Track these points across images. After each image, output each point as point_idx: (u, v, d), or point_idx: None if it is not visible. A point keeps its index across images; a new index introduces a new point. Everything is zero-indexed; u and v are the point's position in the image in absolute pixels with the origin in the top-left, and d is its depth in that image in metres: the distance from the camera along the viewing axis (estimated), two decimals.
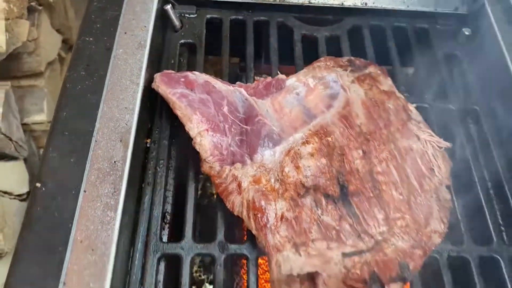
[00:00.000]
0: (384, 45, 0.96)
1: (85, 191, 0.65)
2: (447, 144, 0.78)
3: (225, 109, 0.76)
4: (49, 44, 1.50)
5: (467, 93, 0.91)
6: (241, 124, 0.76)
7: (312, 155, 0.72)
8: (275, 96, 0.81)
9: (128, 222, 0.68)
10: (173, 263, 0.71)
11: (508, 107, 0.84)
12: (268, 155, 0.73)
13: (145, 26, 0.83)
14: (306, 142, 0.74)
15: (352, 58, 0.86)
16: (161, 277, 0.69)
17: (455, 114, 0.87)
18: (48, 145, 0.69)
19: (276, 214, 0.67)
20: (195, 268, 0.98)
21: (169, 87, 0.76)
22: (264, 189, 0.69)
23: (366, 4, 0.98)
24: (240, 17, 0.97)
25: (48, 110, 1.43)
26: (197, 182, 0.77)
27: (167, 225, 0.73)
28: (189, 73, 0.80)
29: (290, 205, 0.68)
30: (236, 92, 0.80)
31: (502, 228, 0.77)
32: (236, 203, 0.69)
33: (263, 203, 0.67)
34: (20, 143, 1.30)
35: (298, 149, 0.73)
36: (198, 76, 0.79)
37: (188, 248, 0.69)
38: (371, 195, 0.71)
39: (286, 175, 0.70)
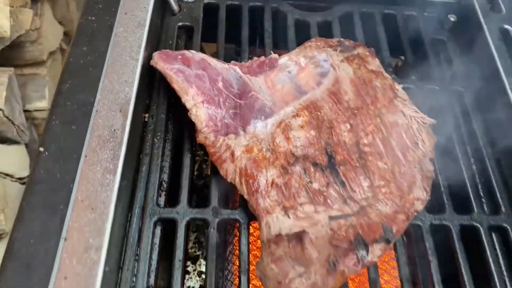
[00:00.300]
0: (373, 30, 1.00)
1: (86, 156, 0.69)
2: (431, 120, 0.82)
3: (220, 84, 0.80)
4: (51, 34, 1.55)
5: (453, 75, 0.95)
6: (235, 99, 0.80)
7: (302, 127, 0.76)
8: (268, 74, 0.85)
9: (126, 186, 0.72)
10: (169, 229, 0.74)
11: (491, 88, 0.88)
12: (260, 126, 0.77)
13: (145, 7, 0.88)
14: (296, 115, 0.78)
15: (342, 39, 0.90)
16: (157, 240, 0.72)
17: (440, 94, 0.91)
18: (51, 114, 0.73)
19: (267, 180, 0.71)
20: (190, 245, 1.02)
21: (166, 63, 0.80)
22: (256, 157, 0.73)
23: None
24: (236, 2, 1.01)
25: (50, 97, 1.47)
26: (192, 153, 0.80)
27: (164, 193, 0.77)
28: (186, 51, 0.84)
29: (280, 172, 0.71)
30: (230, 70, 0.84)
31: (483, 200, 0.81)
32: (229, 171, 0.73)
33: (254, 170, 0.71)
34: (22, 128, 1.33)
35: (289, 122, 0.77)
36: (195, 54, 0.83)
37: (183, 213, 0.73)
38: (357, 164, 0.74)
39: (277, 145, 0.74)
